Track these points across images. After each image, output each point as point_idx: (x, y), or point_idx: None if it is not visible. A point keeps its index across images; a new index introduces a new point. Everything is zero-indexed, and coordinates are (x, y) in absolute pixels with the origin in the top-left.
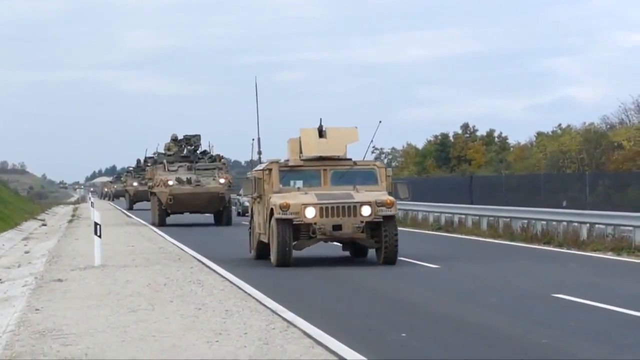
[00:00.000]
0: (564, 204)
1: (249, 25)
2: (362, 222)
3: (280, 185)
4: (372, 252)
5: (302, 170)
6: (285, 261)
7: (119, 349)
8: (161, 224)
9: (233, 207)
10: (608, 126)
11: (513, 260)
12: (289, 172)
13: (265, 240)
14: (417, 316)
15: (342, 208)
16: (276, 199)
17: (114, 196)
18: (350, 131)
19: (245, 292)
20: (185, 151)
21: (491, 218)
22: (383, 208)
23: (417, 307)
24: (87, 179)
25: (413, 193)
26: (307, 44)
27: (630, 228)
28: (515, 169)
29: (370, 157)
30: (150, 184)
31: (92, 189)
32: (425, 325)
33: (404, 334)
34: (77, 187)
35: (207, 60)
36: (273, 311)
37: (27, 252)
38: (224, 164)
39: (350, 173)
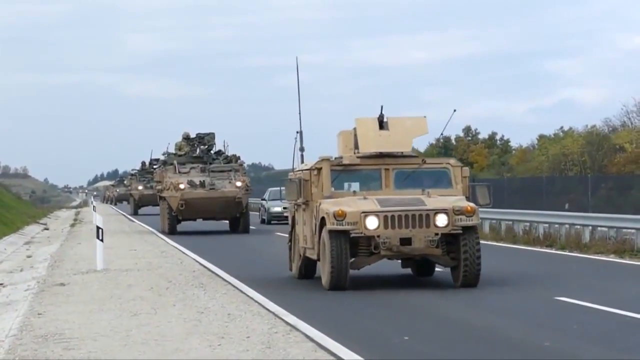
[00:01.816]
0: (567, 206)
1: (250, 27)
2: (436, 234)
3: (332, 189)
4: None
5: (358, 169)
6: (340, 283)
7: (121, 353)
8: (171, 231)
9: (256, 214)
10: (610, 129)
11: (515, 262)
12: (342, 173)
13: (313, 257)
14: (420, 318)
15: (412, 217)
16: (328, 206)
17: (117, 200)
18: (417, 122)
19: (248, 295)
20: (198, 151)
21: (493, 221)
22: (462, 217)
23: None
24: (90, 183)
25: None
26: (309, 46)
27: (633, 231)
28: (517, 171)
29: None
30: (159, 187)
31: (95, 193)
32: (429, 326)
33: (406, 337)
34: (81, 191)
35: (210, 63)
36: (275, 315)
37: (29, 257)
38: (240, 165)
39: (418, 173)
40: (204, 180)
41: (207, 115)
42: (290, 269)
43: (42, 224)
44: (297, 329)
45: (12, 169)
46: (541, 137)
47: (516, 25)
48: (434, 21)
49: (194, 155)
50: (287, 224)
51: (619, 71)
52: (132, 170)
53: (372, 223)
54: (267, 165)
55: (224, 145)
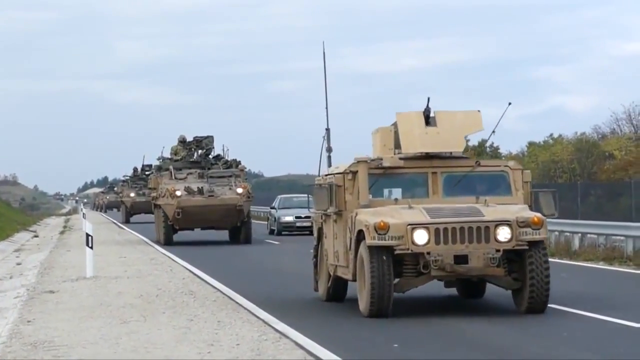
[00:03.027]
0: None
1: (241, 35)
2: (497, 250)
3: (370, 196)
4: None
5: (401, 173)
6: (382, 309)
7: None
8: (167, 242)
9: (264, 223)
10: (600, 136)
11: None
12: (382, 177)
13: (346, 277)
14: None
15: (469, 230)
16: (367, 217)
17: (107, 207)
18: (470, 116)
19: (237, 303)
20: (195, 156)
21: None
22: (527, 229)
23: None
24: (79, 190)
25: None
26: (300, 54)
27: (622, 238)
28: None
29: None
30: (153, 194)
31: (85, 200)
32: (418, 336)
33: None
34: (71, 198)
35: (200, 70)
36: (265, 322)
37: (18, 264)
38: (242, 170)
39: (471, 178)
40: (202, 187)
41: (197, 123)
42: (315, 289)
43: (31, 231)
44: (287, 337)
45: (1, 176)
46: (531, 144)
47: (507, 32)
48: (425, 28)
49: (191, 160)
50: (299, 235)
51: (609, 78)
52: (124, 176)
53: (420, 237)
54: (257, 173)
55: (223, 150)
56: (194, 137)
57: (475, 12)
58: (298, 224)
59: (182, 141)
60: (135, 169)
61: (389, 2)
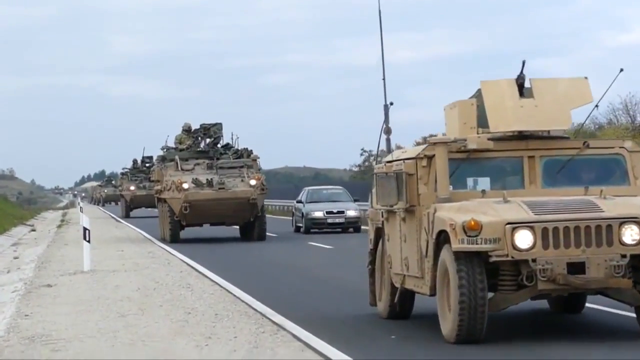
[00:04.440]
0: None
1: (235, 29)
2: (623, 256)
3: (451, 187)
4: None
5: (490, 158)
6: (474, 333)
7: (108, 354)
8: (174, 239)
9: (289, 219)
10: (597, 126)
11: None
12: (464, 163)
13: (420, 290)
14: None
15: (586, 230)
16: (451, 213)
17: (105, 201)
18: (576, 85)
19: (235, 295)
20: (202, 144)
21: None
22: None
23: None
24: (77, 184)
25: None
26: (294, 47)
27: None
28: None
29: (358, 159)
30: (157, 187)
31: (83, 194)
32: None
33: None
34: (71, 192)
35: (195, 64)
36: (263, 314)
37: (16, 258)
38: (254, 160)
39: (577, 163)
40: (211, 179)
41: (194, 116)
42: (372, 304)
43: (29, 225)
44: (284, 329)
45: None
46: None
47: (501, 24)
48: (418, 21)
49: (198, 149)
50: (330, 233)
51: (605, 69)
52: (123, 169)
53: (524, 240)
54: None
55: (232, 138)
56: (201, 125)
57: (470, 4)
58: (329, 221)
59: (187, 130)
60: (135, 161)
61: None
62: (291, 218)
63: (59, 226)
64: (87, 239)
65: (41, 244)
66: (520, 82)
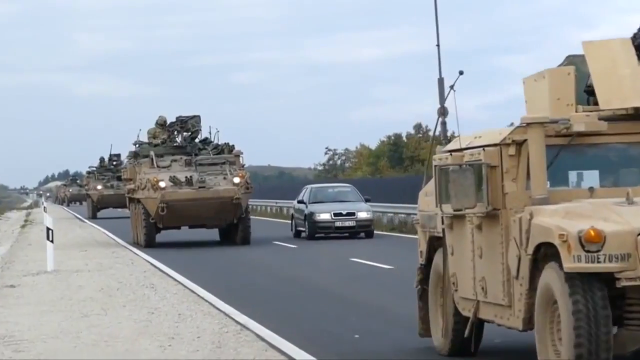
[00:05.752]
0: None
1: (202, 26)
2: None
3: (548, 183)
4: None
5: (598, 144)
6: None
7: (71, 354)
8: (149, 243)
9: (288, 222)
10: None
11: None
12: (564, 151)
13: (507, 323)
14: None
15: None
16: (557, 220)
17: (70, 201)
18: None
19: (198, 295)
20: (179, 139)
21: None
22: None
23: None
24: (40, 184)
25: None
26: (261, 45)
27: None
28: None
29: (322, 157)
30: (130, 186)
31: (48, 194)
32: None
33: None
34: (36, 191)
35: (162, 61)
36: (226, 314)
37: None
38: (237, 156)
39: None
40: (190, 177)
41: (160, 114)
42: (422, 334)
43: None
44: (248, 329)
45: None
46: None
47: (467, 22)
48: (384, 18)
49: (175, 144)
50: (339, 237)
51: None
52: (90, 167)
53: None
54: None
55: (211, 132)
56: (177, 117)
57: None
58: (338, 224)
59: (162, 124)
60: (102, 159)
61: None
62: (290, 221)
63: (23, 226)
64: (51, 239)
65: (4, 244)
66: (638, 42)
